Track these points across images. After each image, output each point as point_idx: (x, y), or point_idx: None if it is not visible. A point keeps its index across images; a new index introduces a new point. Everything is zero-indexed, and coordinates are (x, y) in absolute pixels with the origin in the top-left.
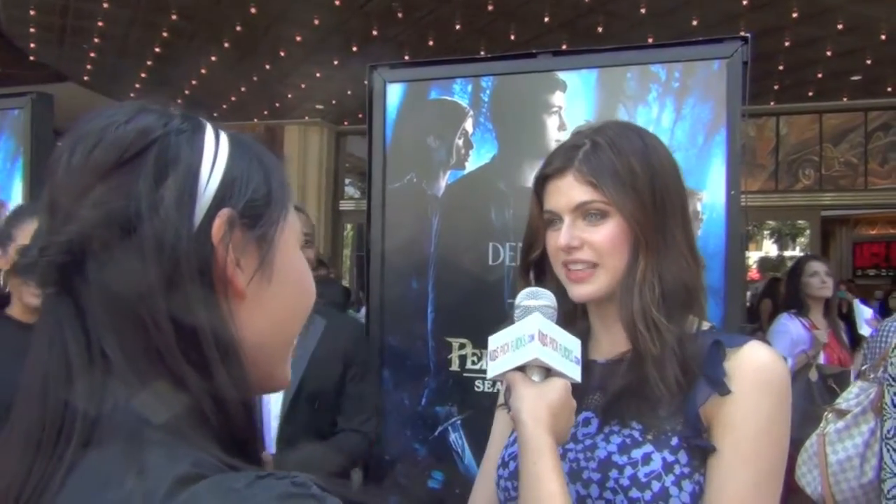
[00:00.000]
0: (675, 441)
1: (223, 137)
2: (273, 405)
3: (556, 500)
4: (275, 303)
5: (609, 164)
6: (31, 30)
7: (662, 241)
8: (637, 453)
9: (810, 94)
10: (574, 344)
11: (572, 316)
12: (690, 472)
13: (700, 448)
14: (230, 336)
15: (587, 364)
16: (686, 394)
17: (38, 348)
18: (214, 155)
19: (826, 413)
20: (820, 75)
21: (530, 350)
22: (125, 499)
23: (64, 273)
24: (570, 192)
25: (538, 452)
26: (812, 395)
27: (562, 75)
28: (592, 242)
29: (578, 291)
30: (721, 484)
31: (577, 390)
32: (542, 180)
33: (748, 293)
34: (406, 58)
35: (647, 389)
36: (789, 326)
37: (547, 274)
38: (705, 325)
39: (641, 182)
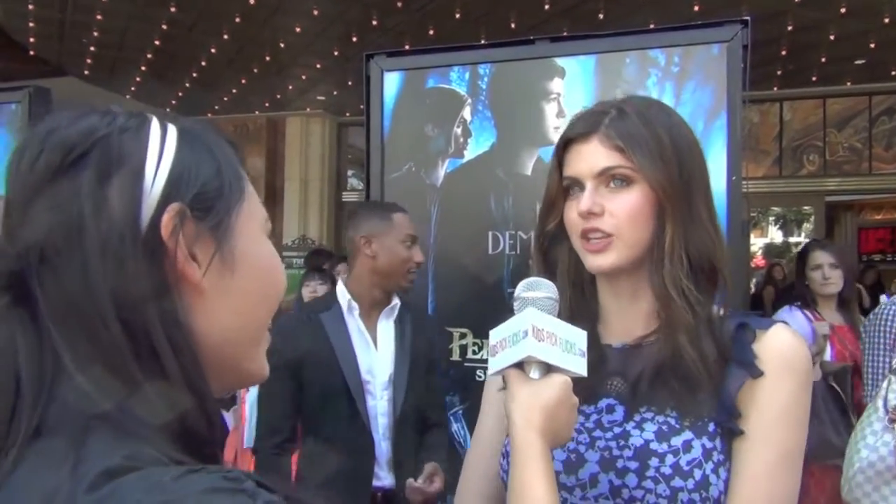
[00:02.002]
0: (711, 427)
1: (171, 131)
2: (380, 402)
3: None
4: (240, 294)
5: (637, 131)
6: (31, 24)
7: (688, 215)
8: (677, 441)
9: (814, 78)
10: (578, 336)
11: (582, 297)
12: (724, 460)
13: (731, 431)
14: (184, 334)
15: (601, 349)
16: (717, 378)
17: None
18: (160, 150)
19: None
20: (823, 60)
21: (524, 347)
22: (54, 490)
23: (17, 282)
24: (594, 156)
25: (526, 457)
26: (814, 399)
27: (560, 62)
28: (614, 211)
29: (596, 262)
30: (743, 463)
31: (595, 377)
32: (565, 144)
33: (753, 280)
34: (406, 47)
35: (684, 369)
36: (786, 316)
37: (560, 246)
38: (721, 311)
39: (669, 153)
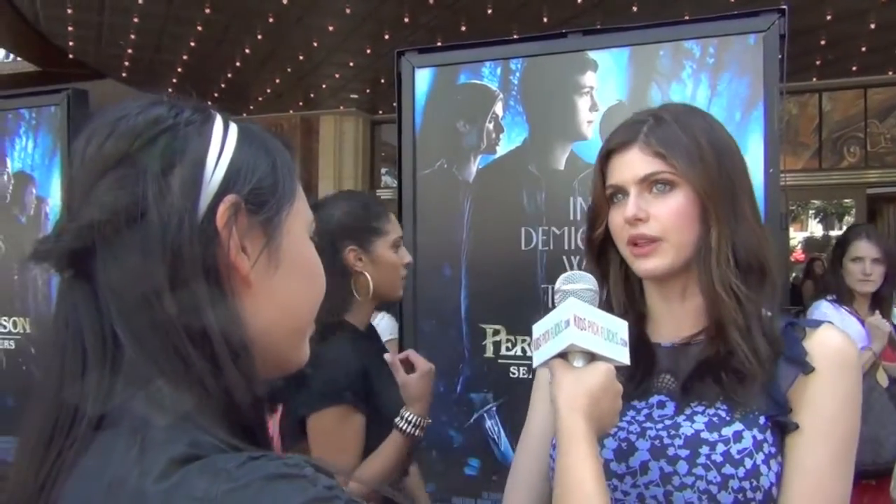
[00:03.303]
0: (762, 420)
1: (232, 128)
2: None
3: (586, 487)
4: (283, 290)
5: (675, 137)
6: (70, 28)
7: (733, 215)
8: (728, 431)
9: (854, 68)
10: (619, 326)
11: (632, 298)
12: (775, 453)
13: (783, 426)
14: (234, 320)
15: (651, 347)
16: (768, 373)
17: (56, 332)
18: (221, 144)
19: None
20: (864, 49)
21: (567, 336)
22: (122, 478)
23: (79, 258)
24: (636, 164)
25: (571, 440)
26: (878, 405)
27: (593, 55)
28: (658, 215)
29: (644, 266)
30: (800, 460)
31: (646, 374)
32: (606, 155)
33: (793, 274)
34: (438, 44)
35: (735, 362)
36: (833, 317)
37: (608, 254)
38: (768, 313)
39: (709, 155)
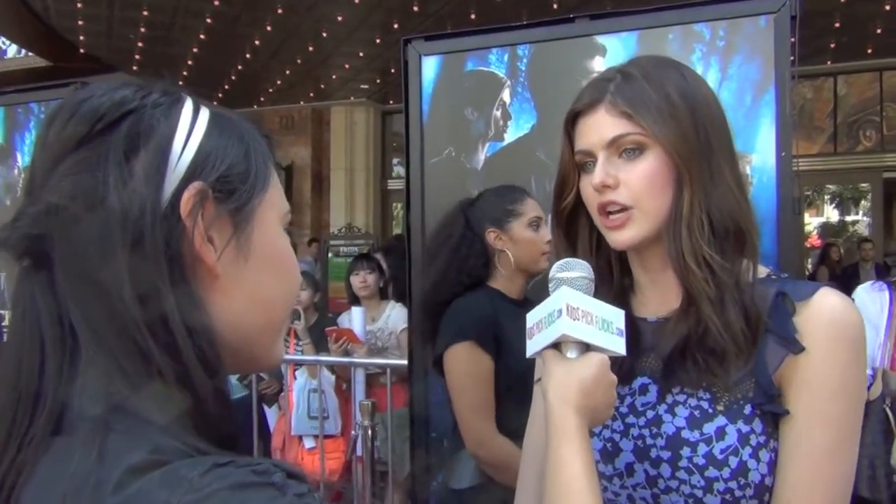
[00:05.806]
0: (748, 409)
1: (203, 112)
2: None
3: (578, 482)
4: (254, 283)
5: (644, 94)
6: (80, 22)
7: (708, 175)
8: (710, 428)
9: (869, 51)
10: (615, 315)
11: (609, 271)
12: (766, 441)
13: (773, 414)
14: (199, 314)
15: (635, 323)
16: (753, 351)
17: (14, 323)
18: (190, 129)
19: None
20: (879, 31)
21: (559, 326)
22: (78, 489)
23: (37, 245)
24: (602, 126)
25: (562, 434)
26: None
27: (601, 39)
28: (628, 181)
29: (618, 238)
30: (795, 446)
31: (630, 354)
32: (573, 118)
33: (809, 260)
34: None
35: (710, 340)
36: (867, 302)
37: (579, 221)
38: (762, 272)
39: (681, 111)
